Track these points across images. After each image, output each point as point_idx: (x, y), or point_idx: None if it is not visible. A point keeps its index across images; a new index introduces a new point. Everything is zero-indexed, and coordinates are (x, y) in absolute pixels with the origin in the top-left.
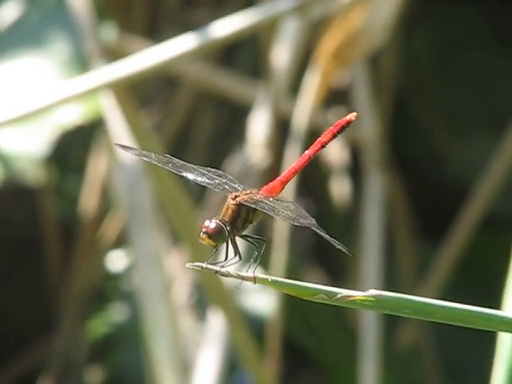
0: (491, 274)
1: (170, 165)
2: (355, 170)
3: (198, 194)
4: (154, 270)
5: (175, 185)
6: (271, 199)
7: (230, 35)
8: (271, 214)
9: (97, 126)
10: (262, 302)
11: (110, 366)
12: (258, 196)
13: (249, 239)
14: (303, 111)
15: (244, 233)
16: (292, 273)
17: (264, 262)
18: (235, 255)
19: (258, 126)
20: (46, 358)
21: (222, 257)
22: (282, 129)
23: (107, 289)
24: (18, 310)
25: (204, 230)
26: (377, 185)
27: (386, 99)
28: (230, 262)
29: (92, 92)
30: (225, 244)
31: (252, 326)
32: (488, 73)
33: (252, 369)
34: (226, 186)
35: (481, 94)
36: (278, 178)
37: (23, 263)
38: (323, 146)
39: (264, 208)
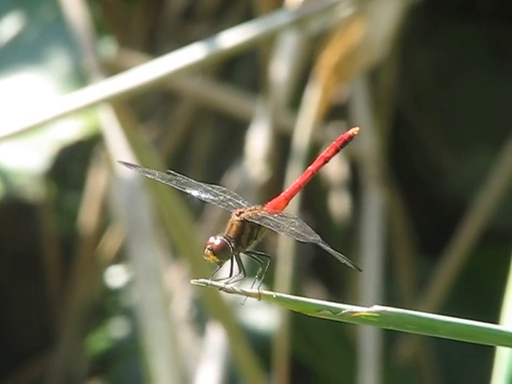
0: (490, 289)
1: (174, 182)
2: (354, 185)
3: (198, 208)
4: (153, 284)
5: (174, 199)
6: (276, 215)
7: (229, 49)
8: (276, 230)
9: (96, 141)
10: (262, 317)
11: (110, 381)
12: (263, 212)
13: (253, 255)
14: (304, 126)
15: (248, 249)
16: (294, 288)
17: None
18: (239, 272)
19: (257, 141)
20: (46, 373)
21: (225, 273)
22: (281, 143)
23: (107, 304)
24: (19, 325)
25: (209, 246)
26: (376, 199)
27: (386, 114)
28: (234, 279)
29: (91, 107)
30: (229, 260)
31: (252, 341)
32: (487, 88)
33: (252, 383)
34: (231, 203)
35: (480, 109)
36: (282, 194)
37: (23, 279)
38: (326, 161)
39: (269, 224)
